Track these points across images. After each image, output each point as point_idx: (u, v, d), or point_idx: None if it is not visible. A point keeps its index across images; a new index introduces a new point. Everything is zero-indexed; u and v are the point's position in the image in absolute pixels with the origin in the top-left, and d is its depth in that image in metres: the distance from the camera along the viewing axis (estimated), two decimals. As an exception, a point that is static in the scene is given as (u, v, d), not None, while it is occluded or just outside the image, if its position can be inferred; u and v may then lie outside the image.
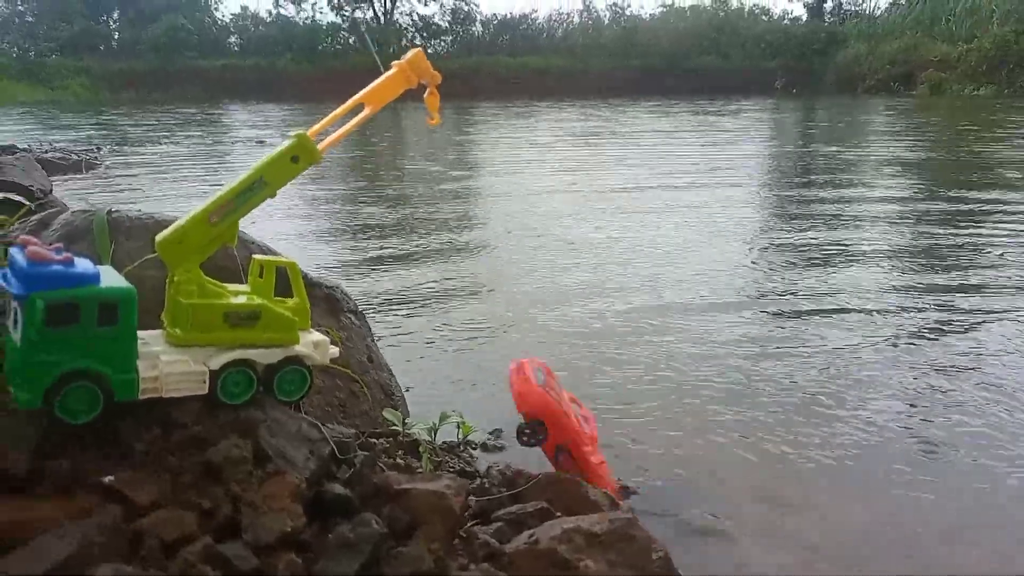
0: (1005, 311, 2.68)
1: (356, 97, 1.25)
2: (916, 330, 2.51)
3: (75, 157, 6.58)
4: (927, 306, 2.79)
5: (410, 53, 1.28)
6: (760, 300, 2.92)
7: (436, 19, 27.44)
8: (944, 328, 2.53)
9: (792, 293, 2.99)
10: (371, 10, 27.47)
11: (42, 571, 0.85)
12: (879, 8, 27.00)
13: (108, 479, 1.01)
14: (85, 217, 1.39)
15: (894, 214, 4.71)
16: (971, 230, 4.11)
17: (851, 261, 3.53)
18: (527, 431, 1.39)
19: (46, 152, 6.39)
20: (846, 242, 3.90)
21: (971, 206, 4.82)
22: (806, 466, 1.67)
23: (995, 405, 1.94)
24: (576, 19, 28.67)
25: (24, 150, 6.04)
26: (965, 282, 3.11)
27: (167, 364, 1.10)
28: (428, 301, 2.95)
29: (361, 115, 1.25)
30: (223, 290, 1.19)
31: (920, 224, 4.38)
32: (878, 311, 2.74)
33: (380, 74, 1.25)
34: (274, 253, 1.52)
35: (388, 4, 27.26)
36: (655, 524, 1.34)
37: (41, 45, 24.51)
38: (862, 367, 2.21)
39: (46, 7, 25.47)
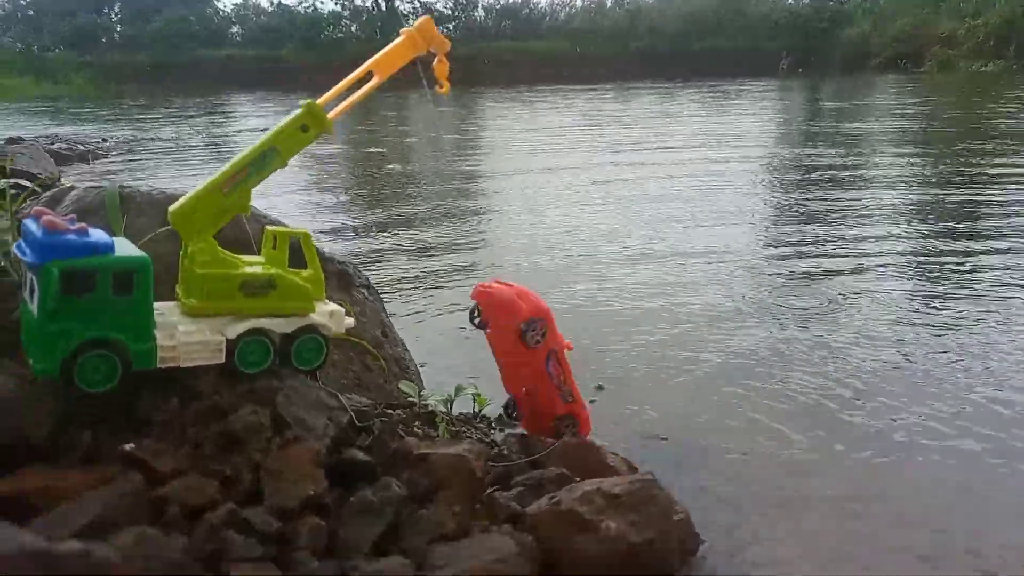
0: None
1: (365, 65, 1.24)
2: (939, 282, 2.50)
3: (81, 148, 6.60)
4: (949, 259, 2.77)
5: (419, 20, 1.27)
6: (778, 273, 2.91)
7: (438, 5, 27.33)
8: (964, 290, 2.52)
9: (814, 265, 2.98)
10: (372, -3, 27.38)
11: (67, 536, 0.85)
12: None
13: (129, 447, 1.01)
14: (97, 193, 1.39)
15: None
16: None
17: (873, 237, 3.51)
18: (534, 327, 1.43)
19: (52, 143, 6.40)
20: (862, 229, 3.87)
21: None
22: (824, 436, 1.66)
23: None
24: (579, 3, 28.51)
25: (31, 142, 6.05)
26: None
27: (184, 333, 1.10)
28: (438, 280, 2.95)
29: (370, 83, 1.24)
30: (238, 260, 1.19)
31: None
32: (902, 274, 2.73)
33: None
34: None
35: (389, -10, 27.15)
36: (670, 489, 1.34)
37: (45, 40, 24.51)
38: (884, 339, 2.20)
39: (49, 2, 25.46)
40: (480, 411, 1.71)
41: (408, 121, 10.91)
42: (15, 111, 13.66)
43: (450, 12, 27.29)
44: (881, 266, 2.97)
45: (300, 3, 27.02)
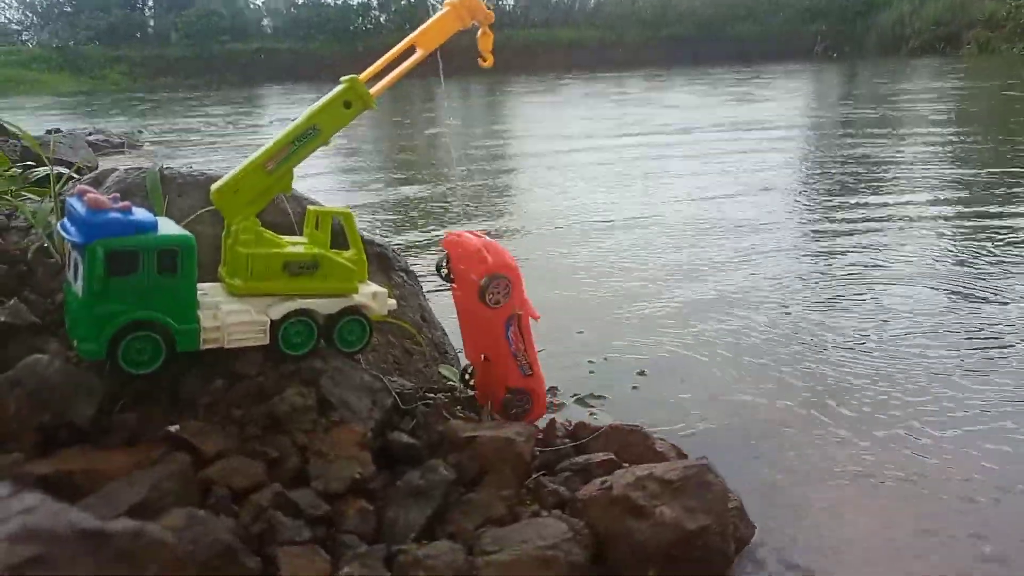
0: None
1: (408, 39, 1.21)
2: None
3: (117, 139, 6.67)
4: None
5: None
6: (823, 256, 2.84)
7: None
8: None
9: (857, 246, 2.90)
10: (400, -13, 27.34)
11: (114, 516, 0.84)
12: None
13: (174, 428, 1.00)
14: (138, 174, 1.38)
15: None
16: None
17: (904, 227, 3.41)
18: (497, 285, 1.29)
19: (89, 135, 6.48)
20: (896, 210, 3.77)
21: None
22: (877, 420, 1.61)
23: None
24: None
25: (69, 132, 6.13)
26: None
27: (228, 314, 1.08)
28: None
29: (413, 58, 1.21)
30: (280, 240, 1.17)
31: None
32: (947, 253, 2.65)
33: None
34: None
35: (417, -20, 27.09)
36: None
37: (80, 35, 24.88)
38: (933, 320, 2.13)
39: (84, -3, 25.86)
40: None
41: (437, 109, 10.90)
42: (52, 105, 13.90)
43: (478, 1, 27.09)
44: (927, 248, 2.88)
45: (329, -6, 27.10)
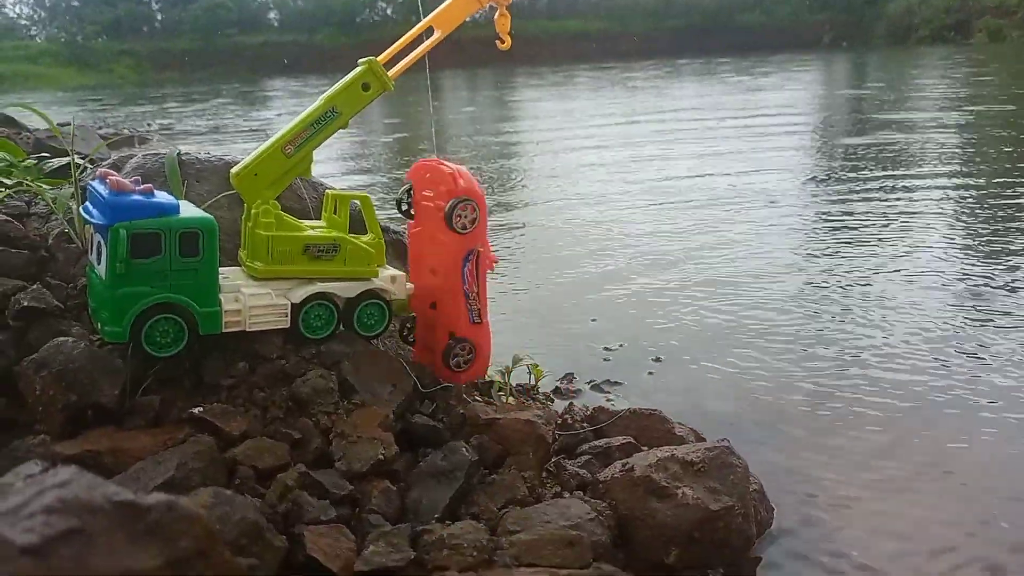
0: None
1: (425, 20, 1.21)
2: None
3: (127, 132, 6.69)
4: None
5: None
6: (838, 247, 2.83)
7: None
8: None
9: (871, 238, 2.89)
10: (405, -22, 27.28)
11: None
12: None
13: (198, 410, 1.00)
14: (156, 160, 1.38)
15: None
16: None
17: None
18: (465, 208, 1.21)
19: (99, 128, 6.50)
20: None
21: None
22: (893, 408, 1.60)
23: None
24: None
25: (80, 125, 6.15)
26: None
27: (250, 297, 1.08)
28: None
29: (431, 39, 1.21)
30: (300, 224, 1.17)
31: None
32: (966, 246, 2.63)
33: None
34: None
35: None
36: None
37: (87, 29, 24.94)
38: (936, 313, 2.12)
39: (91, -9, 25.90)
40: (537, 383, 1.69)
41: (446, 99, 10.89)
42: (61, 99, 13.93)
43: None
44: (949, 232, 2.87)
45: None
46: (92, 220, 1.00)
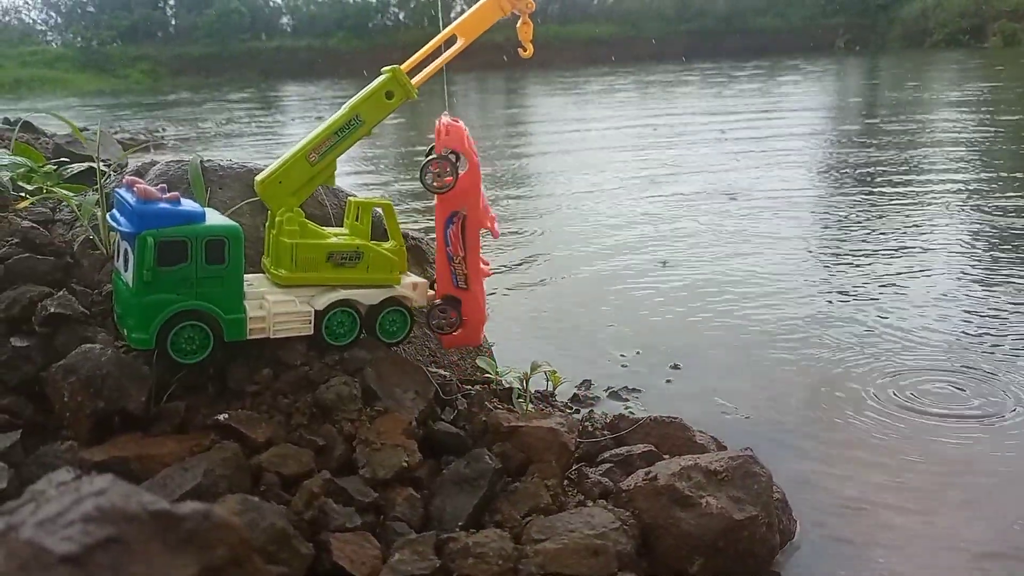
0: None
1: (449, 28, 1.21)
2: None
3: (143, 137, 6.74)
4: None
5: None
6: (853, 254, 2.82)
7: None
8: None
9: (889, 243, 2.87)
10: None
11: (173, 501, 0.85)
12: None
13: (223, 417, 1.01)
14: (179, 167, 1.39)
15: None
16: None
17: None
18: (439, 165, 1.15)
19: (115, 133, 6.55)
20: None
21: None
22: (914, 413, 1.59)
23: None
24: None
25: (95, 131, 6.20)
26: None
27: (274, 304, 1.09)
28: (502, 262, 2.92)
29: (454, 47, 1.21)
30: (324, 231, 1.18)
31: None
32: (979, 249, 2.61)
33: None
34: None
35: (436, -23, 27.05)
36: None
37: (103, 35, 25.17)
38: (955, 315, 2.10)
39: (107, -3, 26.16)
40: (555, 389, 1.69)
41: (460, 105, 10.90)
42: (77, 104, 14.04)
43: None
44: (968, 234, 2.85)
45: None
46: (119, 228, 1.01)
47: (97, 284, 1.23)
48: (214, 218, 1.06)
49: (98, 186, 1.28)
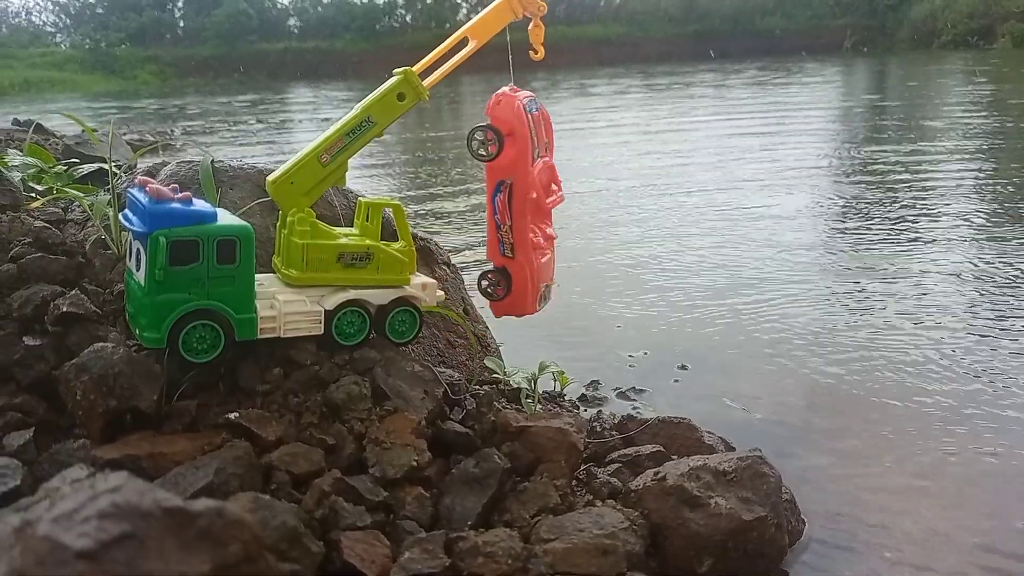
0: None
1: (461, 31, 1.21)
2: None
3: (151, 139, 6.76)
4: None
5: None
6: (862, 254, 2.81)
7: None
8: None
9: (895, 239, 2.87)
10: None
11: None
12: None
13: (234, 415, 1.01)
14: (190, 167, 1.40)
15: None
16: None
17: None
18: (483, 135, 1.18)
19: (125, 134, 6.58)
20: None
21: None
22: (922, 415, 1.59)
23: None
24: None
25: (105, 132, 6.23)
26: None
27: (285, 304, 1.10)
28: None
29: (466, 50, 1.22)
30: (334, 232, 1.18)
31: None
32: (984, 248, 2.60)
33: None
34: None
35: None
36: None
37: (111, 36, 25.29)
38: (963, 319, 2.10)
39: (116, -1, 26.30)
40: (563, 390, 1.69)
41: (460, 107, 10.93)
42: (85, 106, 14.11)
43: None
44: (973, 241, 2.84)
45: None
46: (131, 227, 1.02)
47: (109, 284, 1.24)
48: (226, 218, 1.07)
49: (111, 185, 1.29)
